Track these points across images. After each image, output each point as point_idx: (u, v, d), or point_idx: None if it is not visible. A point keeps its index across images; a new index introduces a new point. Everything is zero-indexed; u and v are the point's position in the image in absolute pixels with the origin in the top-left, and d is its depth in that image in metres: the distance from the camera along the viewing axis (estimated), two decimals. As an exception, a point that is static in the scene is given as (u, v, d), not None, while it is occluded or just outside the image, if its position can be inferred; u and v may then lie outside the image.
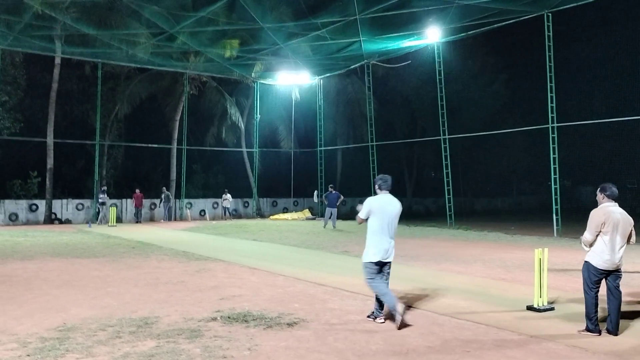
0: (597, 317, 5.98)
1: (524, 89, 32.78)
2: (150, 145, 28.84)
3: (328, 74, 29.82)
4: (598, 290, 6.03)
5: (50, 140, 24.30)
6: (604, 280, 6.02)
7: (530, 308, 7.08)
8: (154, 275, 9.75)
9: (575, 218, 24.18)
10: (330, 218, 21.83)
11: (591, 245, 6.03)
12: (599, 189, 6.13)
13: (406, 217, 31.52)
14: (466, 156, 34.27)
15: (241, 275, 9.90)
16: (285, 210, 30.91)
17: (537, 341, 5.72)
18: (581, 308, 6.19)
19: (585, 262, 6.11)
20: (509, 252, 13.80)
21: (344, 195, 22.93)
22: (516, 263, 11.66)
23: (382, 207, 6.42)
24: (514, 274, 10.23)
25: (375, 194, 6.72)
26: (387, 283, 6.49)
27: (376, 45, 23.41)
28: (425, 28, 21.31)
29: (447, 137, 22.83)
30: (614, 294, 6.01)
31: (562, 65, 21.26)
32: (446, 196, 22.71)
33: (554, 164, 18.63)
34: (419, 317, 6.73)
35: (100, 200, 24.02)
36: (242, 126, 31.77)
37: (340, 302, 7.55)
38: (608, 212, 5.93)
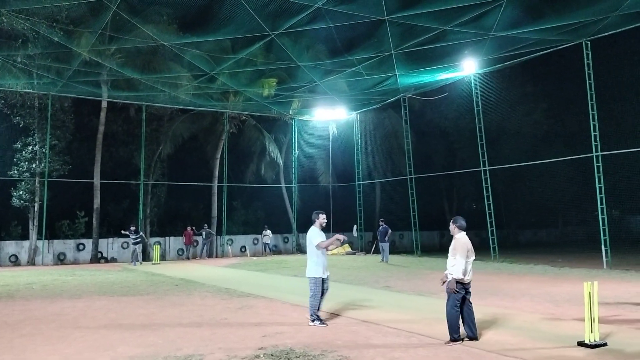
0: None
1: (566, 117, 32.16)
2: (192, 183, 29.54)
3: (364, 109, 30.05)
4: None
5: (96, 181, 25.16)
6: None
7: (581, 344, 6.83)
8: (197, 313, 9.85)
9: (625, 248, 23.57)
10: (382, 253, 21.93)
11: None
12: (452, 220, 7.69)
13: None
14: (508, 187, 33.59)
15: (283, 311, 9.89)
16: (325, 245, 30.74)
17: (591, 379, 5.50)
18: (636, 343, 5.93)
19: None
20: (557, 285, 13.36)
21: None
22: (565, 297, 11.27)
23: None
24: (563, 308, 9.90)
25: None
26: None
27: (412, 78, 23.50)
28: (461, 60, 21.31)
29: (487, 168, 22.50)
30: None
31: (604, 92, 20.79)
32: (489, 228, 22.23)
33: (600, 193, 18.08)
34: (465, 354, 6.58)
35: (133, 240, 22.75)
36: (281, 162, 32.21)
37: (383, 339, 7.44)
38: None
